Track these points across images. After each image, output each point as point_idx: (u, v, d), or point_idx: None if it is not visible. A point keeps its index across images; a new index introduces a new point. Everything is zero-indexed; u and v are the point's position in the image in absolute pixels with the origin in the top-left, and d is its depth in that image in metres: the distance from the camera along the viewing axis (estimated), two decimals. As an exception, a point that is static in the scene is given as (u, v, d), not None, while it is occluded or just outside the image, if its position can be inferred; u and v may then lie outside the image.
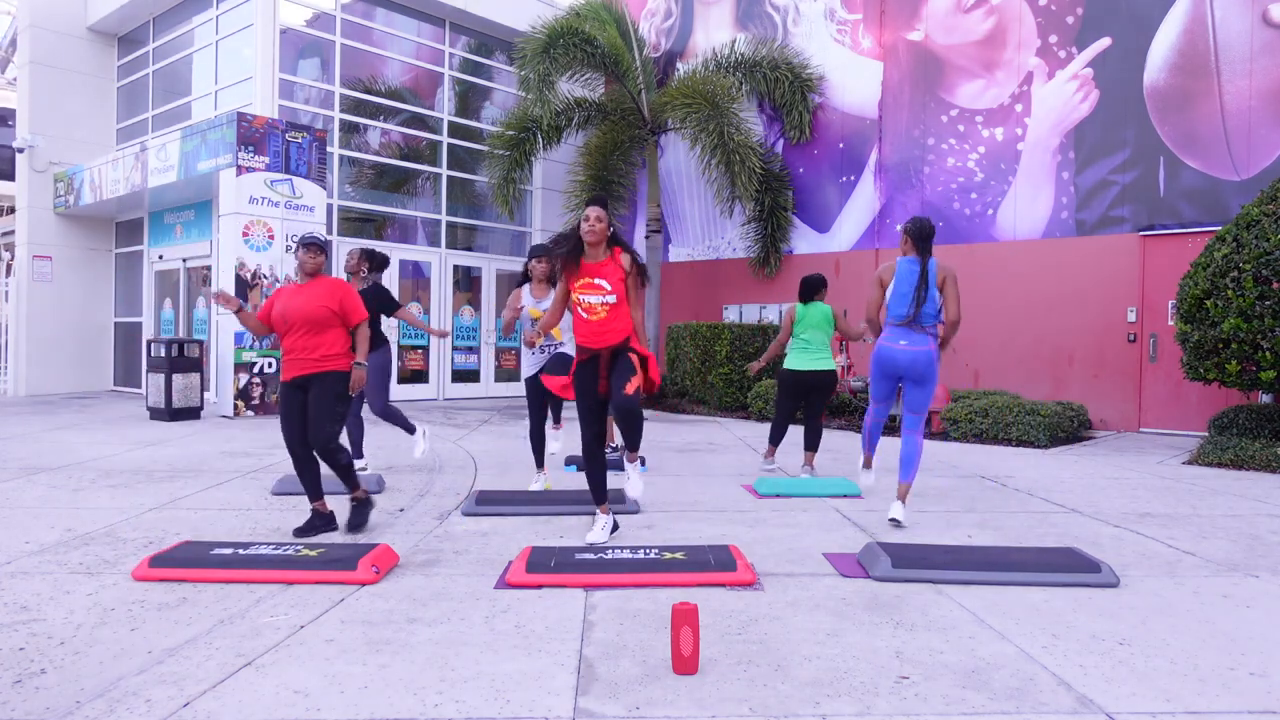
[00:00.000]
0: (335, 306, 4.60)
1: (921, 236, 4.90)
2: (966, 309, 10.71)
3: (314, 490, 4.63)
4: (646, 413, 11.80)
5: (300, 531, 4.53)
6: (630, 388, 4.35)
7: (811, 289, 6.71)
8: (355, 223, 13.07)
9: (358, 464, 6.35)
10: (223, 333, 10.67)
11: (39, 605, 3.35)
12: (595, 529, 4.52)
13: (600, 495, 4.58)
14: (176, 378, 10.15)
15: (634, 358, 4.41)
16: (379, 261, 6.78)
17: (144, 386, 11.97)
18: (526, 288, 5.97)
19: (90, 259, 14.50)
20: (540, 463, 6.00)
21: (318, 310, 4.55)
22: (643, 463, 6.93)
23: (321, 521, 4.60)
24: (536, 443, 5.94)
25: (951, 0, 11.38)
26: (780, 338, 6.80)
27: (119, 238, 14.73)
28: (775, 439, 6.88)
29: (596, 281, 4.33)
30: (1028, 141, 10.75)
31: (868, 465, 5.30)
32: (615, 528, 4.60)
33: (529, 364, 5.94)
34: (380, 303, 6.54)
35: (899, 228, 4.27)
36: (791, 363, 6.69)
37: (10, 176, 15.87)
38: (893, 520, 4.87)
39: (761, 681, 2.69)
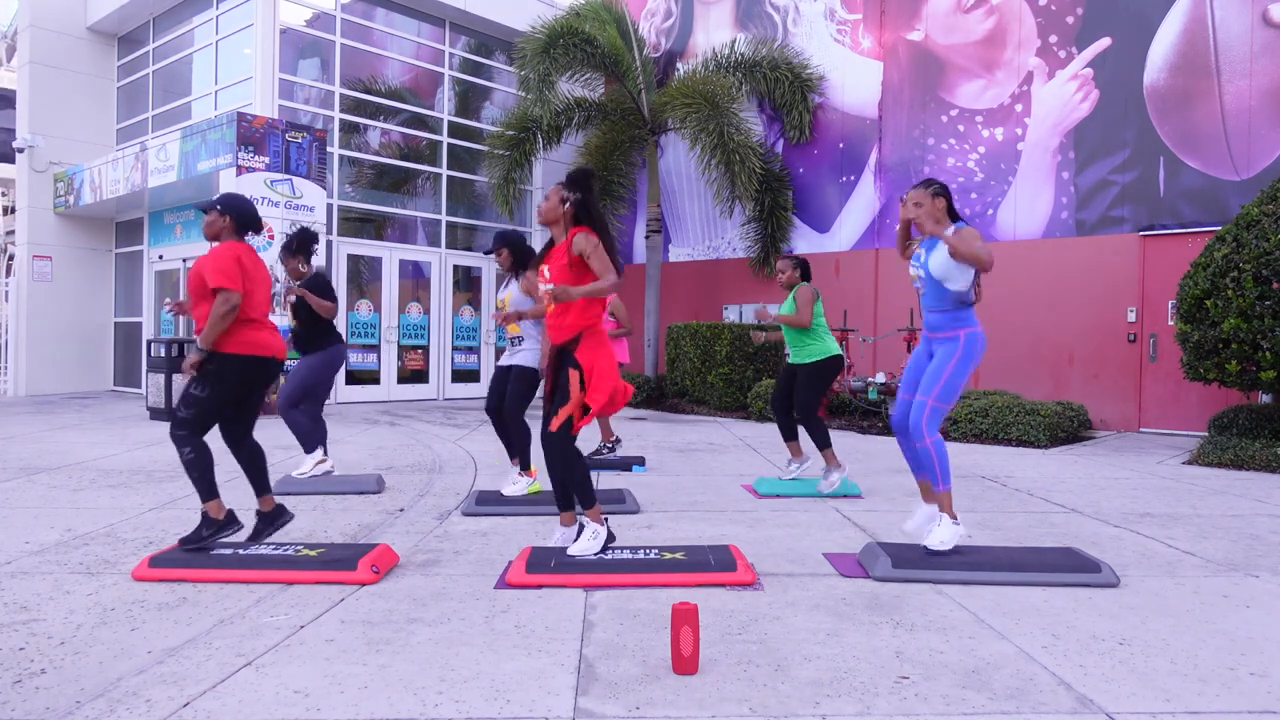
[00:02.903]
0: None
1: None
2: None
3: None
4: (646, 413, 11.78)
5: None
6: (556, 422, 3.73)
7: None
8: (355, 223, 13.07)
9: (324, 465, 6.01)
10: (223, 333, 10.65)
11: (39, 605, 3.35)
12: (553, 539, 4.14)
13: (562, 501, 4.11)
14: (177, 378, 10.14)
15: (575, 375, 3.77)
16: (306, 241, 5.96)
17: (144, 386, 11.96)
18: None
19: (90, 259, 14.50)
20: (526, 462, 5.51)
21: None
22: (642, 463, 6.92)
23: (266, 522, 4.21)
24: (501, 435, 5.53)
25: (951, 0, 11.38)
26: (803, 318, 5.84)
27: (119, 238, 14.73)
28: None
29: (543, 268, 3.91)
30: (1028, 141, 10.75)
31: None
32: (581, 532, 3.98)
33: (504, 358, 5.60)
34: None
35: None
36: (835, 348, 5.92)
37: (12, 159, 15.84)
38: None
39: (761, 681, 2.69)
